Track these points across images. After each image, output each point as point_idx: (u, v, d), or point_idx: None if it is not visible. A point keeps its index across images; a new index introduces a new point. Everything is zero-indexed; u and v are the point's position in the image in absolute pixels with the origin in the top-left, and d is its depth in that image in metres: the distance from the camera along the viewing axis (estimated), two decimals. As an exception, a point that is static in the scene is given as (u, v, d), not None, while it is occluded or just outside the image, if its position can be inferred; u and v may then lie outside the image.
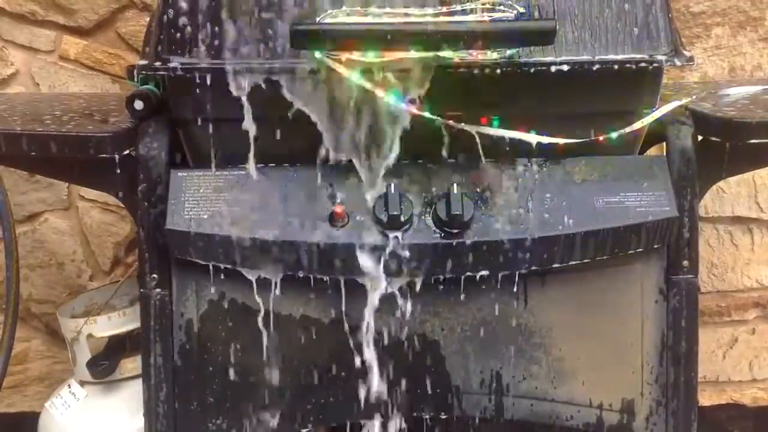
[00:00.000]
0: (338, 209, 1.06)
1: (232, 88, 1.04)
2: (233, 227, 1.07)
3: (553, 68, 1.04)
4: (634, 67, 1.06)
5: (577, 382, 1.15)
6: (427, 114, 1.05)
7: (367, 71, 1.02)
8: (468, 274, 1.08)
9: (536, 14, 1.05)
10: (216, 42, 1.04)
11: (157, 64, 1.06)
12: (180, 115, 1.12)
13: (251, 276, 1.09)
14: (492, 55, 1.03)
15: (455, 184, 1.05)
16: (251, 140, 1.06)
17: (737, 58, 1.73)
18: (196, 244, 1.07)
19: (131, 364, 1.40)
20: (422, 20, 1.02)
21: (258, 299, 1.11)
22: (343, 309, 1.10)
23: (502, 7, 1.03)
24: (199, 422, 1.14)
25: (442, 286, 1.10)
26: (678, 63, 1.08)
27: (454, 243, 1.06)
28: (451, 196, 1.05)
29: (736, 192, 1.79)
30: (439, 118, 1.06)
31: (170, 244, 1.09)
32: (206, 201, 1.09)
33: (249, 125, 1.06)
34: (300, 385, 1.13)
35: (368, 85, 1.02)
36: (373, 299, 1.09)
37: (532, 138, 1.07)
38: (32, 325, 1.84)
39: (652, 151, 1.29)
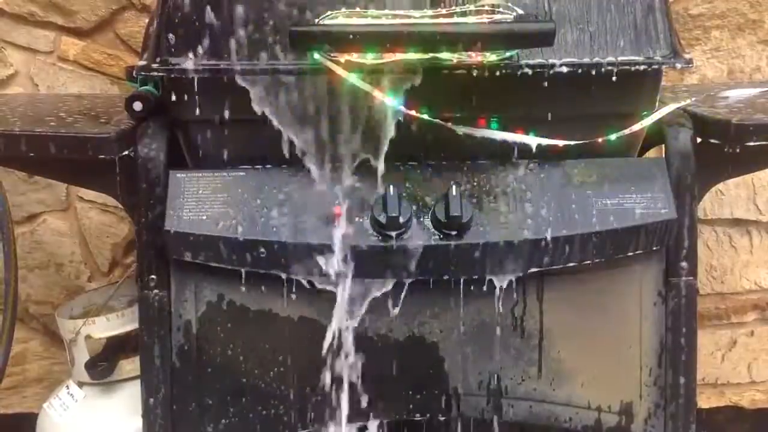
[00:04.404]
0: (337, 211, 1.06)
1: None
2: (232, 228, 1.07)
3: (552, 70, 1.04)
4: (633, 69, 1.06)
5: (575, 384, 1.15)
6: (425, 116, 1.05)
7: (365, 73, 1.02)
8: (466, 276, 1.08)
9: (535, 16, 1.05)
10: (214, 43, 1.04)
11: (156, 65, 1.07)
12: (179, 116, 1.12)
13: (250, 277, 1.09)
14: (491, 57, 1.03)
15: (454, 186, 1.05)
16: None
17: (736, 61, 1.73)
18: (194, 245, 1.07)
19: (130, 366, 1.39)
20: (421, 22, 1.02)
21: (256, 301, 1.11)
22: (342, 310, 1.10)
23: (501, 9, 1.03)
24: (197, 424, 1.14)
25: (440, 288, 1.10)
26: (677, 65, 1.08)
27: (453, 245, 1.06)
28: (449, 198, 1.05)
29: (735, 194, 1.79)
30: (437, 120, 1.06)
31: (169, 245, 1.09)
32: (205, 202, 1.08)
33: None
34: (299, 387, 1.13)
35: (367, 87, 1.02)
36: (372, 301, 1.09)
37: (531, 140, 1.07)
38: (31, 326, 1.84)
39: (651, 154, 1.29)
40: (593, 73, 1.05)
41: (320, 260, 1.06)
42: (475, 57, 1.02)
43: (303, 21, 1.03)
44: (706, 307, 1.84)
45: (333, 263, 1.06)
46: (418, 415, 1.15)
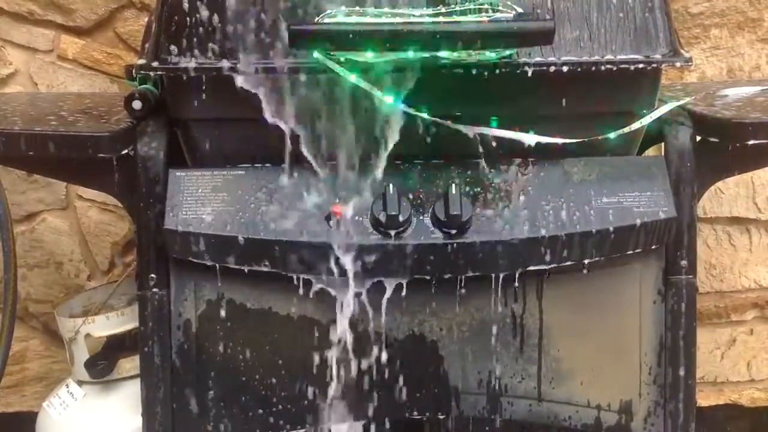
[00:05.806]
0: (336, 209, 1.06)
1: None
2: (231, 227, 1.07)
3: (552, 69, 1.04)
4: (632, 67, 1.06)
5: (575, 382, 1.15)
6: (425, 114, 1.05)
7: (365, 71, 1.02)
8: (466, 274, 1.08)
9: (535, 14, 1.05)
10: (214, 41, 1.04)
11: (155, 63, 1.07)
12: (178, 115, 1.12)
13: (250, 276, 1.09)
14: (490, 56, 1.03)
15: (453, 185, 1.05)
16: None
17: (736, 59, 1.73)
18: (194, 243, 1.07)
19: (129, 364, 1.40)
20: (421, 20, 1.02)
21: (256, 300, 1.11)
22: (342, 309, 1.10)
23: (500, 8, 1.03)
24: (197, 422, 1.14)
25: (440, 286, 1.10)
26: (676, 63, 1.08)
27: (453, 243, 1.06)
28: (449, 197, 1.05)
29: (734, 193, 1.79)
30: (437, 118, 1.06)
31: (168, 243, 1.09)
32: (204, 201, 1.08)
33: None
34: (298, 386, 1.13)
35: (366, 86, 1.02)
36: (372, 300, 1.09)
37: (531, 138, 1.07)
38: (30, 324, 1.84)
39: (650, 152, 1.29)
40: (593, 71, 1.05)
41: (320, 259, 1.06)
42: (474, 55, 1.02)
43: (302, 20, 1.03)
44: (706, 306, 1.84)
45: (332, 262, 1.06)
46: (417, 413, 1.15)
